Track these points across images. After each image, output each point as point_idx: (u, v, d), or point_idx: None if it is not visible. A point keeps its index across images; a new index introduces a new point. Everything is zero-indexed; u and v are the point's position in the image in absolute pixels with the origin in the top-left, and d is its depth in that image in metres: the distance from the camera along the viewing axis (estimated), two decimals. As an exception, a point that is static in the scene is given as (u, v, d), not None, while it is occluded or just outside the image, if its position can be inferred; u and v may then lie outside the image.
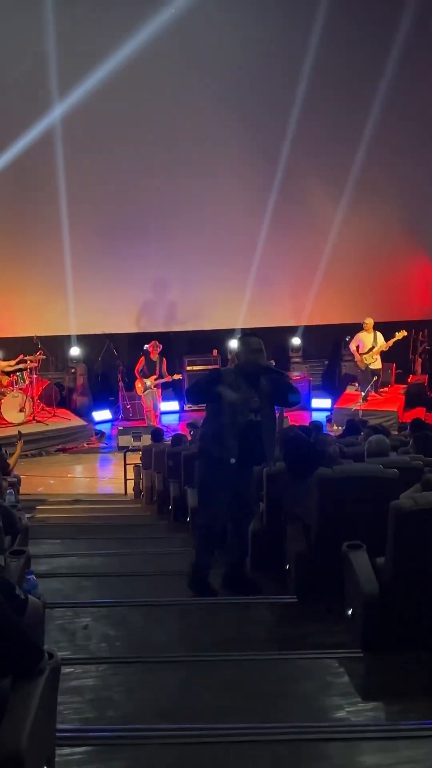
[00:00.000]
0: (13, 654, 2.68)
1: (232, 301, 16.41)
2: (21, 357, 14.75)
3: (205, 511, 6.08)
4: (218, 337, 16.13)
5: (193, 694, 4.19)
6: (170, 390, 15.94)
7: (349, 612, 4.75)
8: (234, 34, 15.50)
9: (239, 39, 15.53)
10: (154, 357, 15.25)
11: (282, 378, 6.27)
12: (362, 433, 8.64)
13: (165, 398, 15.69)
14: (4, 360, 14.91)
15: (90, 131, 15.58)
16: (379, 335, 14.92)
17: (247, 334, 6.59)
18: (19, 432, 11.08)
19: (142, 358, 15.19)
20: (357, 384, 15.23)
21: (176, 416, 16.09)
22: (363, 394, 14.75)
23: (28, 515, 8.29)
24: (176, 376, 15.35)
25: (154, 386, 15.23)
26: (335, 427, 13.44)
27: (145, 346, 15.18)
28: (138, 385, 15.35)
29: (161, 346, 15.31)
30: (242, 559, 6.11)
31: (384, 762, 3.47)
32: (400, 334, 15.02)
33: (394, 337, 14.94)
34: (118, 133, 15.69)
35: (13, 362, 14.78)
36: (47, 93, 14.99)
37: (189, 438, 11.03)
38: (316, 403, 15.59)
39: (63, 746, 3.31)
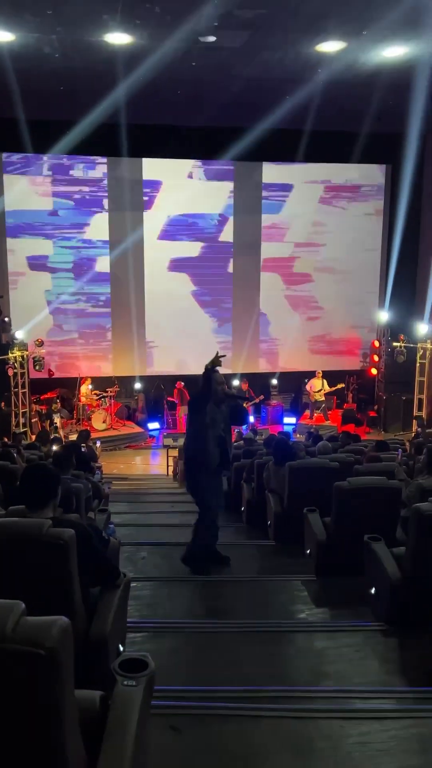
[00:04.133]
0: (102, 573, 2.67)
1: (244, 353, 16.07)
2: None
3: (207, 509, 4.89)
4: (241, 376, 15.68)
5: (209, 601, 4.17)
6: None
7: (308, 551, 4.71)
8: None
9: None
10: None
11: (238, 404, 5.12)
12: (311, 437, 8.66)
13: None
14: (93, 390, 14.90)
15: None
16: (325, 382, 15.13)
17: (214, 371, 4.76)
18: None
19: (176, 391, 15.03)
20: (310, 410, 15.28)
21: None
22: (310, 414, 15.06)
23: (107, 487, 8.25)
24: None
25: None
26: (298, 435, 13.34)
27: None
28: None
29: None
30: (214, 542, 4.99)
31: (330, 645, 3.44)
32: (339, 385, 15.19)
33: (335, 386, 15.10)
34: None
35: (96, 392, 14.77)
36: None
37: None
38: (287, 420, 15.46)
39: (130, 632, 3.29)
